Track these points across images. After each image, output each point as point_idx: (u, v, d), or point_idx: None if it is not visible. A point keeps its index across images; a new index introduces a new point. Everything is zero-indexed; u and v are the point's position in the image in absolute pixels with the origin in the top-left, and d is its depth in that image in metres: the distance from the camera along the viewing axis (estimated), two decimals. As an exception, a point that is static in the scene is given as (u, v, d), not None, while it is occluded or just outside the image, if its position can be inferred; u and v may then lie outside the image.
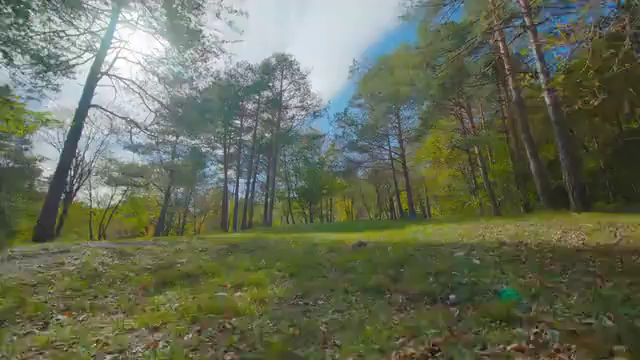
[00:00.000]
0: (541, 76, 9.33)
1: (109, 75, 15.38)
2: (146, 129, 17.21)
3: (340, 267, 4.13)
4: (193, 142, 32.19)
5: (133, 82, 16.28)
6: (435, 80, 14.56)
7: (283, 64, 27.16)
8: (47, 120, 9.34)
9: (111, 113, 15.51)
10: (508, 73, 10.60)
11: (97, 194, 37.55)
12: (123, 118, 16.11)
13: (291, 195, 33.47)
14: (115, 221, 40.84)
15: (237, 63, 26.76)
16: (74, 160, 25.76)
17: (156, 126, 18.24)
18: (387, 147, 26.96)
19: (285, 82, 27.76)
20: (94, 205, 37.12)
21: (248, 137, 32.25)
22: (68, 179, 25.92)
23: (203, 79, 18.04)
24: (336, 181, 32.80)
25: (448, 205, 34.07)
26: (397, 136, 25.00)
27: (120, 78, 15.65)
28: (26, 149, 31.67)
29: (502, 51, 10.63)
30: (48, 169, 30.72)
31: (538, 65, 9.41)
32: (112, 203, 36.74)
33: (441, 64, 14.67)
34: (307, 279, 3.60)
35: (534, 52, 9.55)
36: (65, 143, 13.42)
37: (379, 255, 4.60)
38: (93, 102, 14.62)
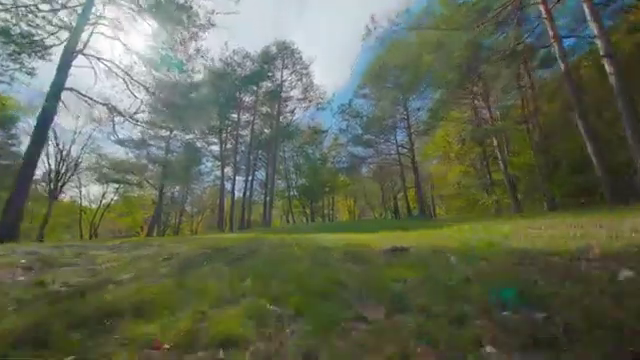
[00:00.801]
0: (598, 41, 7.60)
1: (86, 55, 13.67)
2: (131, 117, 15.49)
3: (380, 293, 2.34)
4: (187, 137, 30.50)
5: (116, 65, 14.58)
6: (455, 59, 12.87)
7: (284, 53, 25.42)
8: (3, 105, 7.68)
9: (90, 98, 13.79)
10: (553, 40, 8.90)
11: (88, 192, 35.79)
12: (104, 104, 14.38)
13: (291, 193, 31.73)
14: (108, 221, 39.23)
15: (233, 50, 25.07)
16: (59, 155, 24.12)
17: (142, 115, 16.54)
18: (394, 141, 25.22)
19: (286, 72, 26.06)
20: (89, 204, 35.58)
21: (246, 132, 30.53)
22: (53, 175, 24.27)
23: (193, 61, 16.29)
24: (339, 178, 31.10)
25: (456, 204, 32.34)
26: (406, 129, 23.24)
27: (100, 59, 13.95)
28: (13, 144, 29.91)
29: (544, 15, 8.94)
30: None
31: (594, 27, 7.68)
32: (105, 202, 35.14)
33: (462, 43, 12.96)
34: (326, 325, 1.86)
35: (587, 13, 7.81)
36: (34, 129, 11.70)
37: (445, 270, 2.86)
38: (69, 85, 12.96)
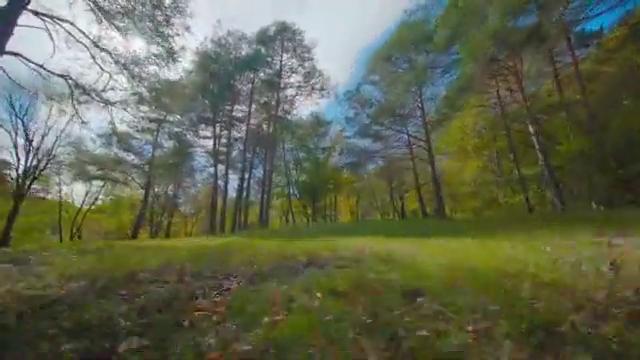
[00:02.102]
0: None
1: (39, 14, 11.00)
2: (97, 95, 12.79)
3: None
4: (177, 129, 27.83)
5: (79, 30, 11.93)
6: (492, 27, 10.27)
7: (284, 34, 22.74)
8: None
9: (40, 66, 11.07)
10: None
11: (72, 191, 32.98)
12: (60, 76, 11.66)
13: (291, 191, 28.99)
14: (93, 221, 36.41)
15: (228, 31, 22.44)
16: (28, 147, 21.30)
17: (112, 93, 13.68)
18: (406, 132, 22.54)
19: (286, 56, 23.38)
20: (75, 203, 32.70)
21: (242, 125, 27.80)
22: (21, 170, 21.47)
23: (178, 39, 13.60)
24: (342, 175, 28.40)
25: (471, 204, 29.68)
26: (420, 118, 20.56)
27: (55, 19, 11.26)
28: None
29: None
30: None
31: None
32: (90, 201, 32.34)
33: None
34: None
35: None
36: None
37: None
38: (13, 48, 10.30)
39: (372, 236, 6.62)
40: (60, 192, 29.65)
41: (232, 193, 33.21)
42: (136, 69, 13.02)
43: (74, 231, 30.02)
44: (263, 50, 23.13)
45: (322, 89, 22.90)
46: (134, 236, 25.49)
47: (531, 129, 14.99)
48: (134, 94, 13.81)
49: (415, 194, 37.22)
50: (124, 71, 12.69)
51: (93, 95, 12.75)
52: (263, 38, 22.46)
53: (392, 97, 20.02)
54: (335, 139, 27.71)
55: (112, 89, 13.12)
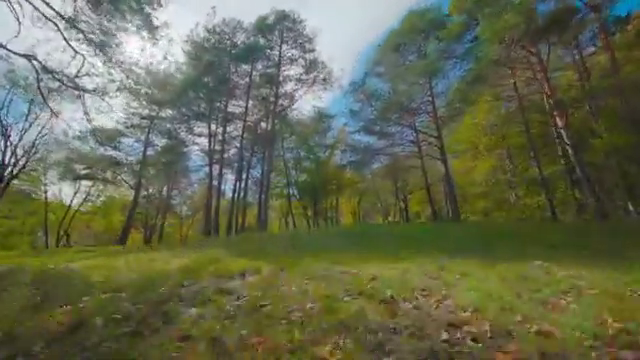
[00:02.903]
0: None
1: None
2: (69, 81, 11.19)
3: None
4: (169, 126, 26.22)
5: (48, 5, 10.34)
6: None
7: (284, 24, 21.13)
8: None
9: (1, 46, 9.47)
10: None
11: (60, 191, 31.36)
12: (25, 57, 10.06)
13: (291, 192, 27.32)
14: (84, 223, 34.76)
15: (223, 19, 20.86)
16: (3, 142, 19.68)
17: (87, 79, 12.05)
18: (414, 129, 20.97)
19: (285, 47, 21.72)
20: (64, 204, 30.96)
21: (239, 123, 26.12)
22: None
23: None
24: (346, 175, 26.77)
25: (480, 205, 28.04)
26: (430, 114, 18.99)
27: (16, -10, 9.67)
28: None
29: None
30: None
31: None
32: (79, 202, 30.69)
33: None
34: None
35: None
36: None
37: None
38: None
39: (409, 255, 4.96)
40: (46, 192, 28.07)
41: (230, 194, 31.64)
42: (112, 50, 11.43)
43: (61, 234, 28.35)
44: (262, 41, 21.54)
45: (325, 81, 21.26)
46: (123, 240, 23.82)
47: (559, 122, 13.39)
48: (113, 81, 12.13)
49: (420, 195, 35.69)
50: (99, 53, 11.10)
51: (65, 80, 11.15)
52: (261, 27, 20.86)
53: (400, 90, 18.43)
54: (338, 136, 26.05)
55: (87, 75, 11.53)
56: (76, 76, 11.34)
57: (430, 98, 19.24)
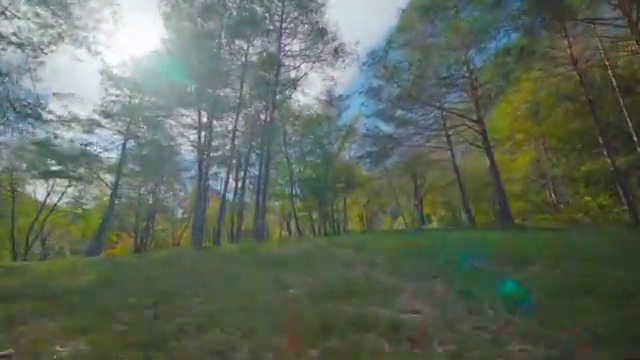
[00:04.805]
0: None
1: None
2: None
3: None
4: (152, 115, 22.57)
5: None
6: None
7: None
8: None
9: None
10: None
11: (35, 190, 27.78)
12: None
13: (294, 191, 23.40)
14: (62, 228, 31.06)
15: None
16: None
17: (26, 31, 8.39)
18: (442, 114, 17.19)
19: (288, 18, 17.99)
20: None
21: (233, 112, 22.34)
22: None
23: None
24: (357, 170, 22.96)
25: (517, 206, 24.10)
26: (468, 92, 15.26)
27: None
28: None
29: None
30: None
31: None
32: (55, 204, 26.98)
33: None
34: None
35: None
36: None
37: None
38: None
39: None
40: (13, 192, 24.34)
41: (228, 195, 27.92)
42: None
43: (30, 242, 24.60)
44: (259, 10, 17.89)
45: (336, 53, 17.40)
46: (96, 249, 20.07)
47: None
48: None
49: (433, 197, 31.61)
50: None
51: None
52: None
53: (432, 60, 14.66)
54: (350, 125, 21.90)
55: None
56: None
57: (467, 74, 15.50)
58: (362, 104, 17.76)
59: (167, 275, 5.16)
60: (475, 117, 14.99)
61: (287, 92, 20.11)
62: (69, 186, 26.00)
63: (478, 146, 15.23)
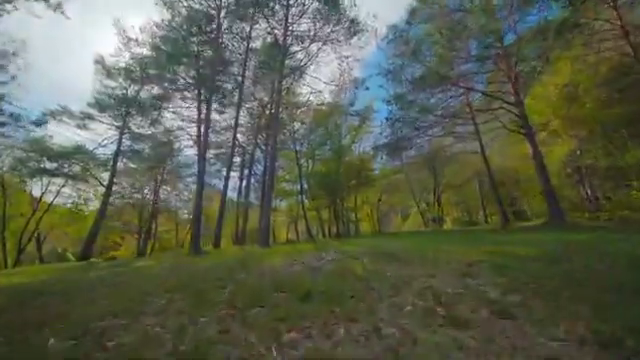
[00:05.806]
0: None
1: None
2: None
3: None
4: (149, 105, 20.89)
5: None
6: None
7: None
8: None
9: None
10: None
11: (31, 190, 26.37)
12: None
13: (303, 187, 21.37)
14: (59, 230, 29.63)
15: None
16: None
17: None
18: (468, 101, 15.08)
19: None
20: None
21: (236, 102, 20.51)
22: None
23: None
24: (371, 165, 20.93)
25: (543, 208, 21.71)
26: (504, 72, 13.17)
27: None
28: None
29: None
30: None
31: None
32: (50, 203, 25.50)
33: None
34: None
35: None
36: None
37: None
38: None
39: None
40: (4, 192, 22.90)
41: (232, 195, 26.21)
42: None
43: (22, 245, 23.12)
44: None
45: (350, 30, 15.35)
46: (85, 253, 18.44)
47: None
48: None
49: (443, 197, 29.22)
50: None
51: None
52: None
53: (464, 34, 12.59)
54: (363, 115, 19.66)
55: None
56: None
57: (500, 51, 13.40)
58: (380, 86, 15.74)
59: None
60: (511, 100, 12.87)
61: (295, 79, 18.13)
62: (64, 185, 24.50)
63: (518, 132, 13.08)
